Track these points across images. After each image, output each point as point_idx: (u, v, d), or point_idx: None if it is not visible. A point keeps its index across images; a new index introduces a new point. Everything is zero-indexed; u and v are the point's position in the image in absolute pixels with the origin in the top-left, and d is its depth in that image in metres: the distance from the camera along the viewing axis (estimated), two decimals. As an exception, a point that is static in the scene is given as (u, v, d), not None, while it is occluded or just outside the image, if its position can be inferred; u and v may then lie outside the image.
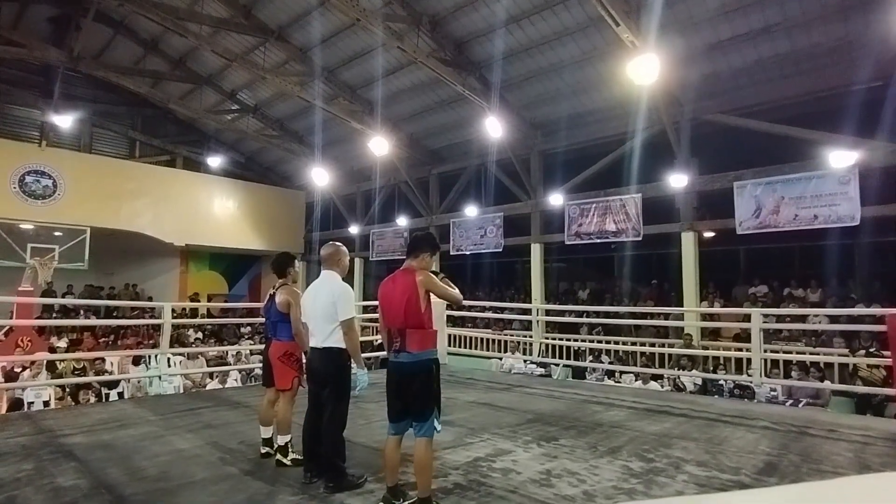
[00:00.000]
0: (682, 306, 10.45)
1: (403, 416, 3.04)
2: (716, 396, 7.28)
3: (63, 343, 11.57)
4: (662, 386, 8.22)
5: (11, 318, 10.74)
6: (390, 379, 3.10)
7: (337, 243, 3.73)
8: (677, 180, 10.55)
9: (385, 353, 3.33)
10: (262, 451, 3.91)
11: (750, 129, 9.88)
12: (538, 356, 9.65)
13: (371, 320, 11.77)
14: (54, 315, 13.83)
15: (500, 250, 13.86)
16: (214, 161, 17.87)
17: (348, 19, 10.89)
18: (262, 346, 4.56)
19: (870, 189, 8.73)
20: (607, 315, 10.54)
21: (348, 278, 3.70)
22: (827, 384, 7.01)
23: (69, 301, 14.69)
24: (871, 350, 7.49)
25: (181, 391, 8.26)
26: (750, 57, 9.38)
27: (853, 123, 8.56)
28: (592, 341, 10.58)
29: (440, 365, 3.11)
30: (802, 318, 8.66)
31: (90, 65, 13.57)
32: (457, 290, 3.17)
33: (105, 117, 17.09)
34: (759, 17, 8.67)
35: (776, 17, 8.58)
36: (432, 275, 3.08)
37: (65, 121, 14.47)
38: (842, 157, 8.81)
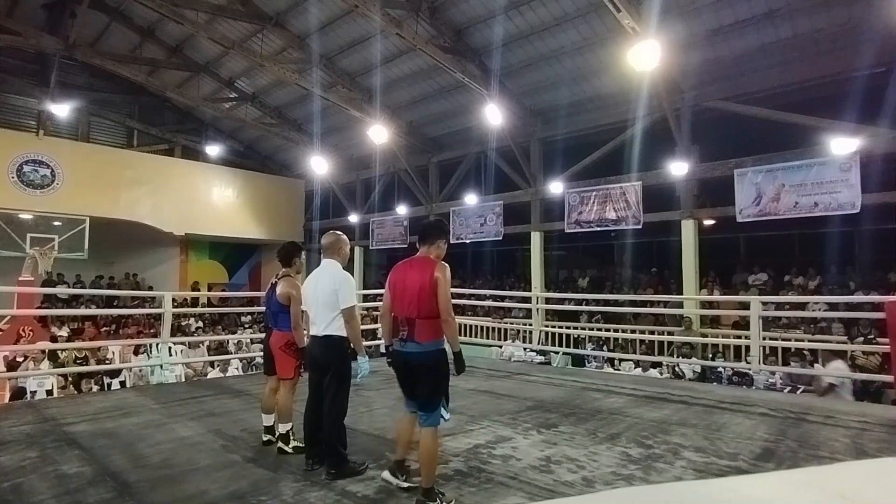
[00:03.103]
0: (681, 294, 10.48)
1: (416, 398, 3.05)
2: (714, 383, 7.32)
3: (64, 332, 11.62)
4: (661, 373, 8.27)
5: (13, 308, 10.76)
6: (398, 367, 3.09)
7: (338, 232, 3.73)
8: (678, 168, 10.52)
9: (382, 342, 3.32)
10: (264, 438, 3.94)
11: (751, 115, 9.83)
12: (538, 344, 9.69)
13: (372, 309, 11.80)
14: (56, 305, 13.85)
15: (500, 238, 13.86)
16: (213, 150, 17.78)
17: (346, 5, 10.77)
18: (263, 335, 4.58)
19: (871, 176, 8.70)
20: (607, 303, 10.56)
21: (348, 267, 3.70)
22: (818, 369, 7.03)
23: (70, 291, 14.71)
24: (870, 337, 7.52)
25: (182, 380, 8.32)
26: (752, 42, 9.30)
27: (855, 110, 8.51)
28: (592, 329, 10.62)
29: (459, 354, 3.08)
30: (801, 306, 8.66)
31: (86, 52, 13.44)
32: (451, 308, 3.04)
33: (102, 106, 16.98)
34: (762, 2, 8.58)
35: (779, 2, 8.49)
36: (447, 275, 3.00)
37: (62, 109, 14.36)
38: (843, 144, 8.77)
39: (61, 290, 14.38)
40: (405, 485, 3.01)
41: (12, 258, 12.41)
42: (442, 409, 2.99)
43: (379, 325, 10.18)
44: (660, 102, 10.35)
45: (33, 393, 7.57)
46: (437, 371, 2.98)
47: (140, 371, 8.59)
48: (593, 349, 9.46)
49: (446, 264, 3.08)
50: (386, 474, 3.05)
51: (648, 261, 13.39)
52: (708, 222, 11.45)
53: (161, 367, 7.63)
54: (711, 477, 3.27)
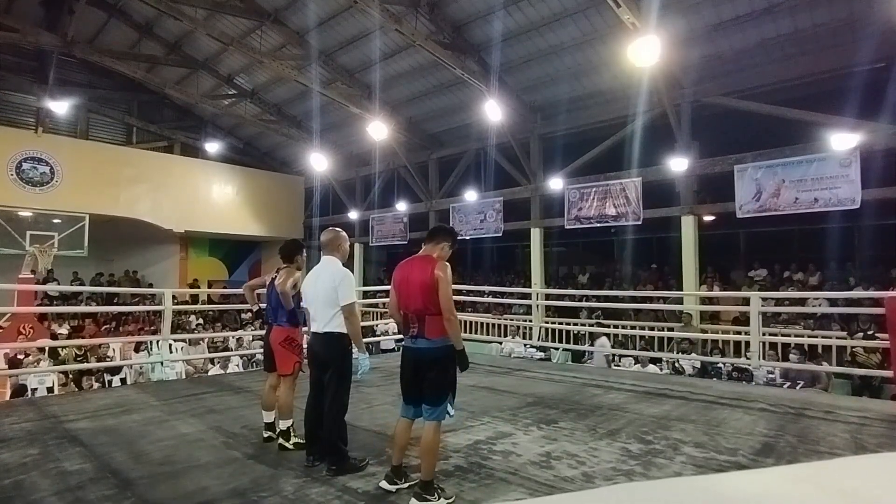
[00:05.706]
0: (681, 290, 10.48)
1: (418, 400, 3.04)
2: (714, 379, 7.34)
3: (65, 330, 11.62)
4: (661, 369, 8.27)
5: (12, 305, 10.77)
6: (406, 364, 3.10)
7: (337, 229, 3.73)
8: (678, 164, 10.49)
9: (402, 337, 3.28)
10: (265, 435, 3.95)
11: (751, 111, 9.80)
12: (538, 340, 9.70)
13: (371, 305, 11.82)
14: (55, 302, 13.85)
15: (500, 235, 13.84)
16: (212, 147, 17.74)
17: (346, 1, 10.74)
18: (263, 332, 4.59)
19: (871, 171, 8.69)
20: (607, 299, 10.58)
21: (348, 263, 3.71)
22: (821, 367, 7.04)
23: (68, 288, 14.69)
24: (869, 333, 7.53)
25: (183, 377, 8.31)
26: (752, 38, 9.26)
27: (855, 105, 8.48)
28: (592, 325, 10.61)
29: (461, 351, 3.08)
30: (801, 302, 8.65)
31: (84, 49, 13.39)
32: (452, 306, 3.05)
33: (101, 103, 16.95)
34: (762, -3, 8.55)
35: (779, -3, 8.46)
36: (448, 274, 3.02)
37: (60, 107, 14.31)
38: (843, 140, 8.75)
39: (61, 288, 14.37)
40: (406, 485, 3.02)
41: (12, 256, 12.41)
42: (448, 404, 3.00)
43: (376, 322, 10.25)
44: (660, 98, 10.32)
45: (34, 390, 7.57)
46: (445, 366, 3.01)
47: (141, 368, 8.59)
48: (592, 345, 9.45)
49: (447, 263, 3.09)
50: (384, 483, 3.01)
51: (648, 257, 13.38)
52: (708, 218, 11.44)
53: (161, 364, 7.65)
54: (711, 472, 3.28)
